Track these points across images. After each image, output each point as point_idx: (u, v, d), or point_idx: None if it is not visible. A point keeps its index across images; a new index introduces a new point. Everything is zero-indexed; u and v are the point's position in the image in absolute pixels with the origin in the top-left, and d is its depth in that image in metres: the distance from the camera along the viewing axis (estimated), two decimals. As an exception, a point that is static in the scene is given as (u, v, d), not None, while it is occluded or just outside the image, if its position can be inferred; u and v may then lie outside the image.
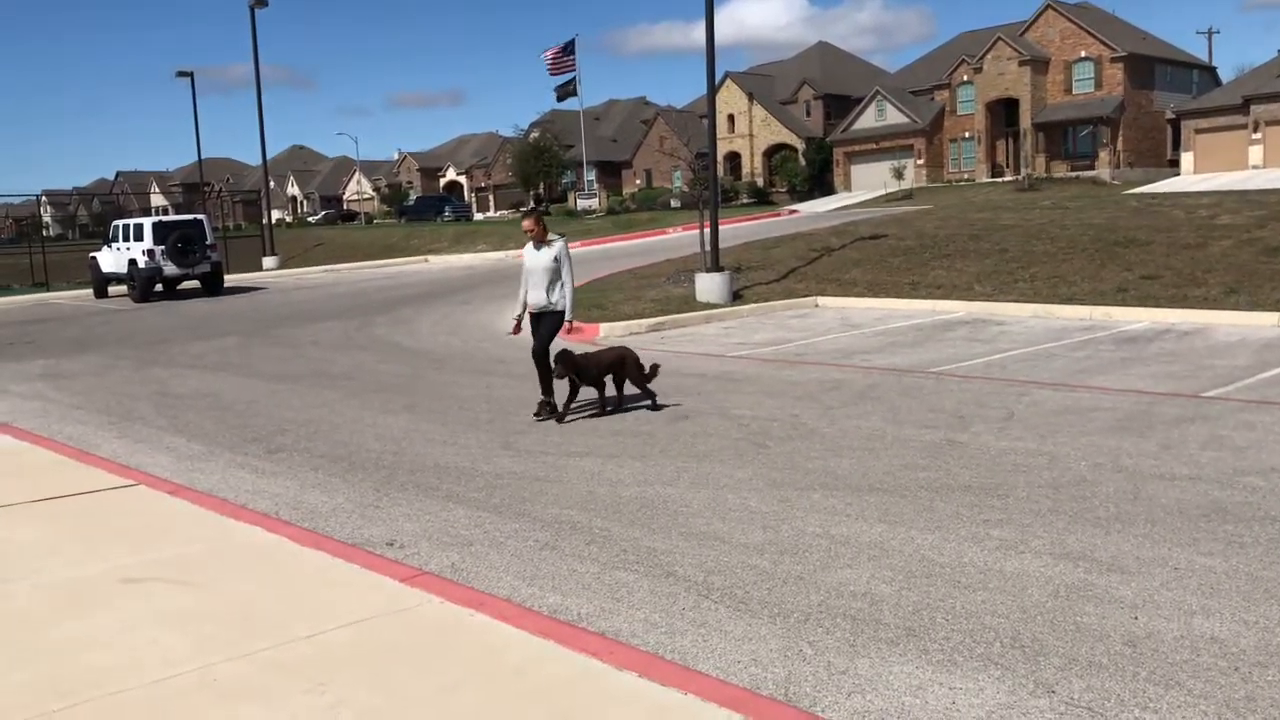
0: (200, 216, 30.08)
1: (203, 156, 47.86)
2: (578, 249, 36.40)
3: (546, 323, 9.39)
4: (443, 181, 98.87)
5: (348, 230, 63.03)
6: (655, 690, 3.85)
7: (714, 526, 6.05)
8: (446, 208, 71.39)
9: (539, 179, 67.17)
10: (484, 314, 19.55)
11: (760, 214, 46.44)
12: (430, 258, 39.93)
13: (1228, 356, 11.50)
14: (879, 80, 66.30)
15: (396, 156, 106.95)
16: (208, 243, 28.08)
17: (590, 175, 66.77)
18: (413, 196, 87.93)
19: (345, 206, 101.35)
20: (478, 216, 77.13)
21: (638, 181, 73.78)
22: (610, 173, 76.17)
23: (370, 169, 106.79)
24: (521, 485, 7.16)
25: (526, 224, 9.34)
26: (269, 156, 43.47)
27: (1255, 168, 44.12)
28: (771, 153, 67.06)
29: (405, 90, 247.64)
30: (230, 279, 31.23)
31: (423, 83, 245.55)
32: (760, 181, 65.61)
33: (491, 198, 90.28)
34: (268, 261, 39.64)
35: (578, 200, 62.28)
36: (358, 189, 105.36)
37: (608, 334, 15.82)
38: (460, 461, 7.93)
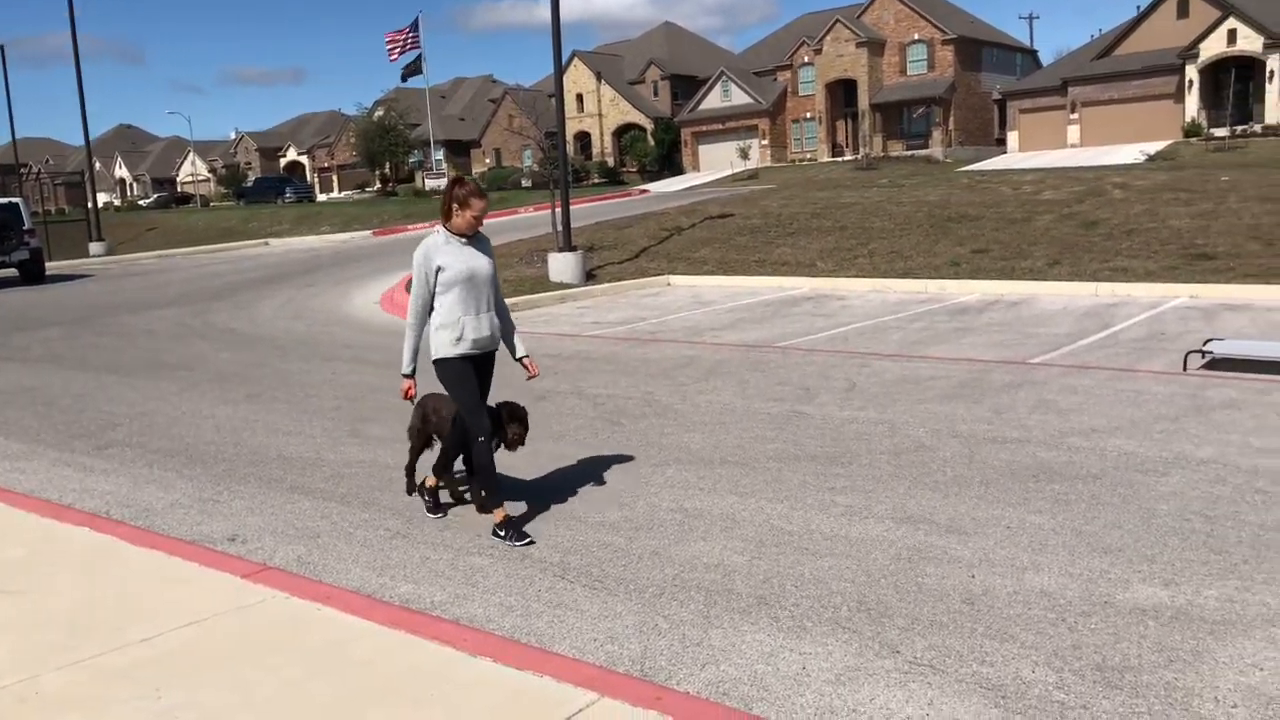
0: (15, 200, 28.11)
1: (17, 136, 44.80)
2: (427, 230, 35.76)
3: (488, 369, 5.84)
4: (283, 162, 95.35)
5: (182, 214, 60.14)
6: (511, 674, 3.82)
7: (571, 506, 6.04)
8: (288, 189, 68.94)
9: (385, 158, 65.52)
10: (329, 298, 18.97)
11: (611, 194, 46.55)
12: (271, 241, 38.51)
13: (1051, 325, 12.17)
14: (724, 61, 67.20)
15: (234, 136, 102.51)
16: (25, 228, 26.31)
17: (438, 155, 65.47)
18: (251, 178, 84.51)
19: (179, 189, 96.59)
20: (321, 198, 74.77)
21: (487, 161, 72.83)
22: (459, 152, 74.95)
23: (205, 149, 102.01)
24: (371, 474, 6.98)
25: (480, 204, 5.49)
26: (93, 136, 40.96)
27: (1074, 146, 46.76)
28: (621, 132, 67.23)
29: (242, 66, 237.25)
30: (53, 267, 29.38)
31: (261, 59, 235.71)
32: (611, 161, 65.72)
33: (335, 178, 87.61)
34: (95, 248, 37.47)
35: (425, 180, 61.02)
36: (192, 170, 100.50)
37: (459, 316, 15.60)
38: (305, 451, 7.68)
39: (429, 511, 5.96)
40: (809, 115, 59.51)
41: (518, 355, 5.91)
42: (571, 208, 19.34)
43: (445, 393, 5.76)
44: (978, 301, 14.50)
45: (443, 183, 56.95)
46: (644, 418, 8.26)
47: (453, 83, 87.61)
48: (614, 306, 15.98)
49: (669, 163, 63.77)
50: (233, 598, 4.65)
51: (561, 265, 18.46)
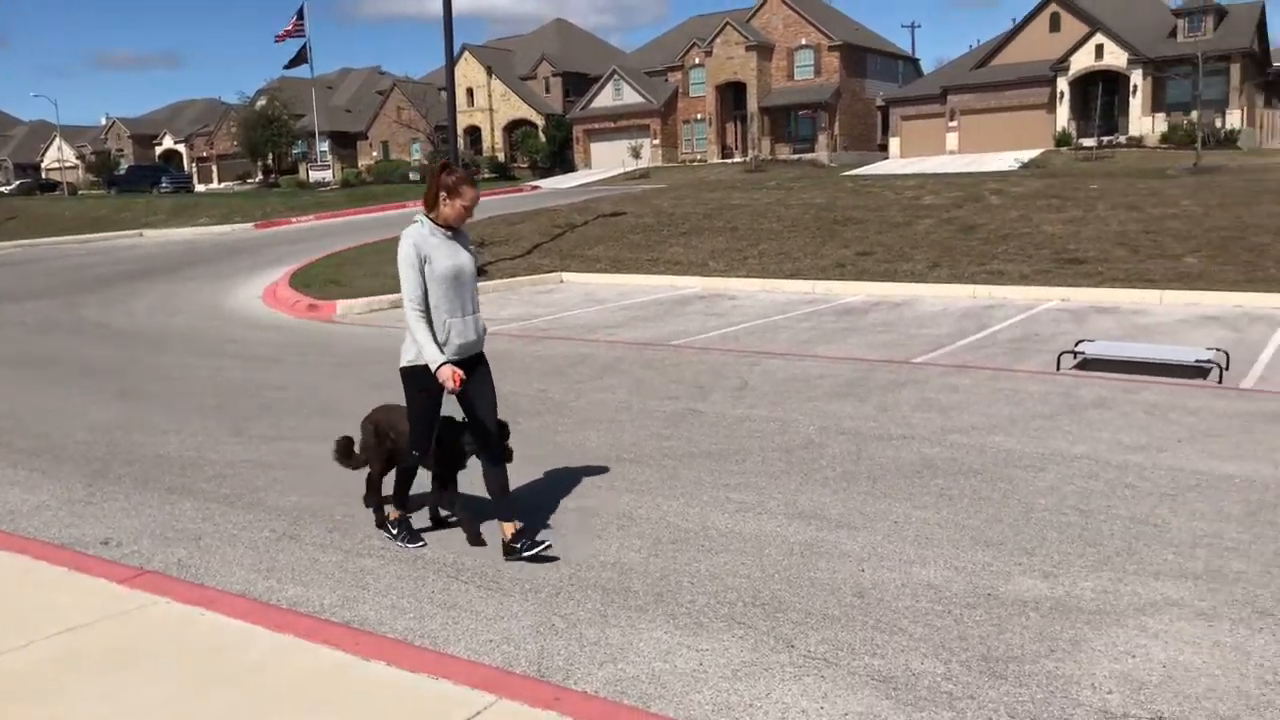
0: None
1: None
2: (311, 223, 34.87)
3: (484, 374, 5.23)
4: (159, 150, 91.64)
5: (48, 201, 57.24)
6: (406, 678, 3.75)
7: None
8: (164, 178, 66.13)
9: (267, 149, 63.65)
10: (209, 292, 18.32)
11: (503, 189, 46.17)
12: (146, 232, 36.97)
13: (932, 325, 12.55)
14: (616, 60, 67.35)
15: (105, 122, 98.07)
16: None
17: (324, 146, 63.87)
18: (124, 166, 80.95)
19: (45, 176, 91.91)
20: (200, 188, 72.11)
21: (374, 154, 71.44)
22: (345, 144, 73.32)
23: (74, 135, 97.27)
24: (255, 474, 6.76)
25: (473, 194, 4.93)
26: (-52, 118, 38.63)
27: (952, 153, 48.36)
28: (512, 128, 66.77)
29: (112, 49, 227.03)
30: (-97, 255, 27.60)
31: (132, 42, 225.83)
32: (502, 157, 65.19)
33: (215, 168, 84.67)
34: (-51, 236, 35.37)
35: (310, 172, 59.51)
36: (59, 157, 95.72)
37: (346, 311, 15.25)
38: (185, 451, 7.39)
39: (406, 542, 5.28)
40: (699, 116, 60.09)
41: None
42: (462, 203, 19.08)
43: (396, 404, 5.31)
44: (863, 302, 14.85)
45: (328, 175, 55.69)
46: (538, 415, 8.21)
47: (339, 73, 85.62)
48: (506, 303, 15.85)
49: (561, 160, 63.62)
50: (110, 604, 4.45)
51: (452, 261, 18.19)
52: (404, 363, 5.04)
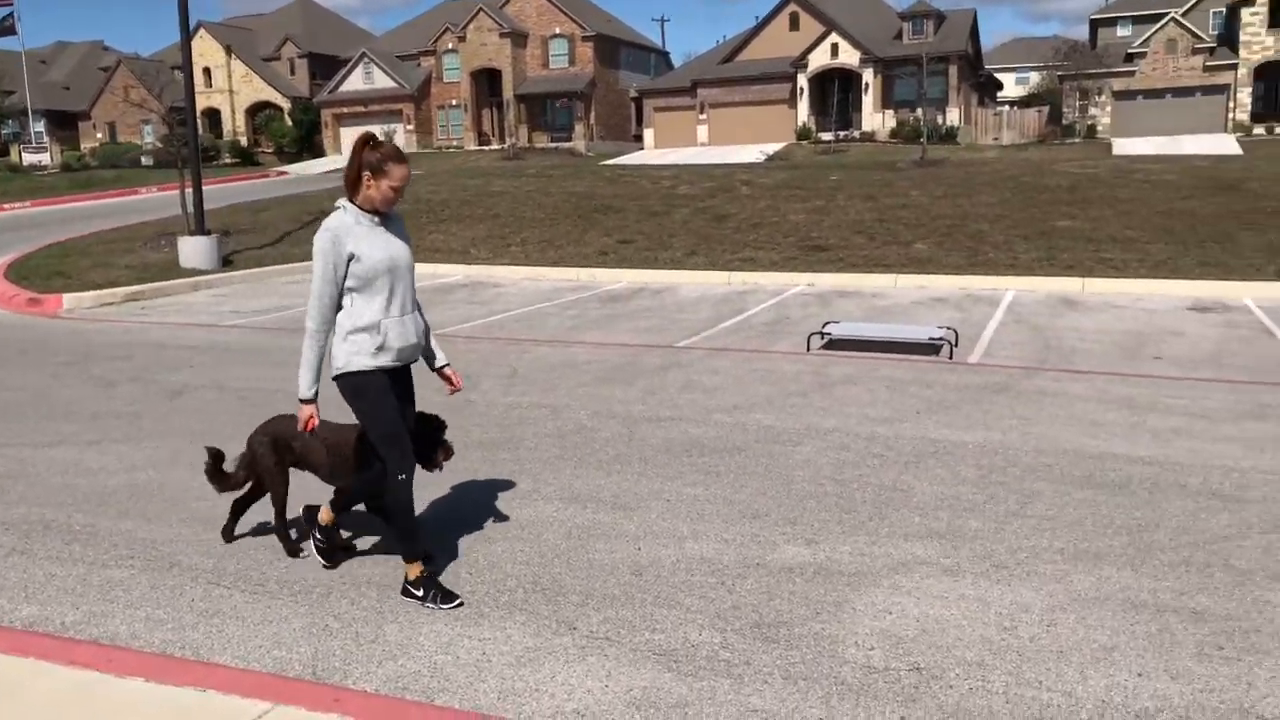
0: None
1: None
2: (28, 210, 31.74)
3: (409, 384, 4.67)
4: None
5: None
6: (169, 692, 3.49)
7: (221, 508, 5.58)
8: None
9: (-31, 128, 57.47)
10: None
11: (247, 174, 43.78)
12: None
13: (692, 311, 12.97)
14: (365, 42, 65.18)
15: None
16: None
17: (38, 126, 58.40)
18: None
19: None
20: (-113, 171, 64.02)
21: (99, 135, 65.82)
22: (64, 124, 67.14)
23: None
24: (-25, 484, 6.11)
25: (402, 171, 4.24)
26: None
27: (703, 145, 50.04)
28: (255, 111, 63.37)
29: None
30: None
31: None
32: (245, 141, 61.74)
33: (-95, 149, 75.47)
34: None
35: (23, 154, 54.22)
36: None
37: (74, 305, 14.02)
38: (-113, 463, 6.57)
39: (325, 561, 4.71)
40: (455, 102, 59.19)
41: (437, 364, 4.74)
42: (204, 188, 17.97)
43: (292, 414, 4.73)
44: (625, 289, 15.14)
45: (45, 158, 50.89)
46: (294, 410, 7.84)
47: (54, 47, 78.18)
48: (256, 294, 15.06)
49: (309, 145, 60.94)
50: None
51: (193, 250, 17.10)
52: (337, 370, 4.28)
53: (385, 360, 4.28)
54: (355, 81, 60.34)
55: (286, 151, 59.57)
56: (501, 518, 5.39)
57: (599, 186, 25.01)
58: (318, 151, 60.20)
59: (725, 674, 3.70)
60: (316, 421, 4.35)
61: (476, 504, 5.62)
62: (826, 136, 45.57)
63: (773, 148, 43.05)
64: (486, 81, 58.23)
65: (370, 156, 4.19)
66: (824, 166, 30.55)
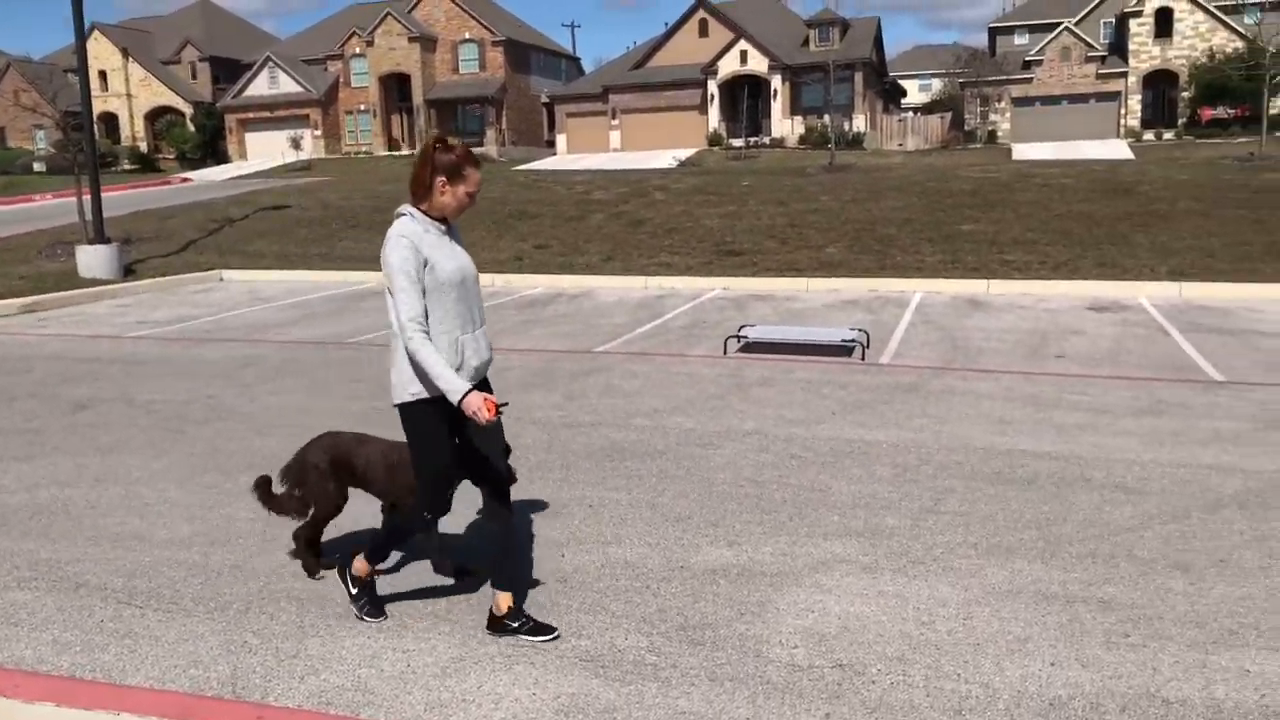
0: None
1: None
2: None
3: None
4: None
5: None
6: (79, 716, 3.38)
7: (130, 525, 5.44)
8: None
9: None
10: None
11: (148, 181, 42.49)
12: None
13: (610, 315, 12.99)
14: (270, 46, 63.84)
15: None
16: None
17: (-80, 131, 55.81)
18: None
19: None
20: None
21: (-13, 141, 63.27)
22: (-52, 129, 64.35)
23: None
24: None
25: (477, 176, 4.00)
26: None
27: (616, 151, 50.18)
28: (155, 116, 61.57)
29: None
30: None
31: None
32: (145, 147, 59.92)
33: None
34: None
35: (-95, 161, 51.77)
36: None
37: (-35, 319, 13.45)
38: None
39: (367, 615, 4.25)
40: (363, 107, 58.32)
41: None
42: (104, 196, 17.41)
43: (349, 432, 4.60)
44: (542, 294, 15.10)
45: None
46: (209, 423, 7.66)
47: (-63, 47, 74.92)
48: (160, 304, 14.64)
49: (213, 151, 59.41)
50: None
51: (93, 259, 16.55)
52: (407, 397, 3.90)
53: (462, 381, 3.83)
54: (260, 86, 59.04)
55: (189, 158, 57.99)
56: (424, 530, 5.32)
57: (513, 192, 24.90)
58: (222, 158, 58.74)
59: (652, 677, 3.72)
60: (495, 401, 3.79)
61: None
62: (737, 142, 46.08)
63: (685, 153, 43.36)
64: (396, 86, 57.50)
65: (444, 159, 3.90)
66: (736, 172, 30.89)
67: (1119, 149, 38.11)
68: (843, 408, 7.90)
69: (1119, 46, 47.94)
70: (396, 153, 54.85)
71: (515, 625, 4.09)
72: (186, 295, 15.66)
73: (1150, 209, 18.85)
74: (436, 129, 56.14)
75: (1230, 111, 42.92)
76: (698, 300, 14.25)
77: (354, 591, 4.25)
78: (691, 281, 15.71)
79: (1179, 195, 19.89)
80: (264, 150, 57.17)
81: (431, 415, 3.89)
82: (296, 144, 54.79)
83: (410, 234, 3.86)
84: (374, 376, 9.28)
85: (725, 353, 10.26)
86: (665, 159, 41.04)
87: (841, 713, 3.46)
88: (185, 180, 43.40)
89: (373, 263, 17.74)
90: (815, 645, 3.96)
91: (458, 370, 3.86)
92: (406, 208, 3.98)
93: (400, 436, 4.15)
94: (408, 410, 3.92)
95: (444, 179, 3.90)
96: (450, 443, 3.97)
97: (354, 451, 4.62)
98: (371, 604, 4.26)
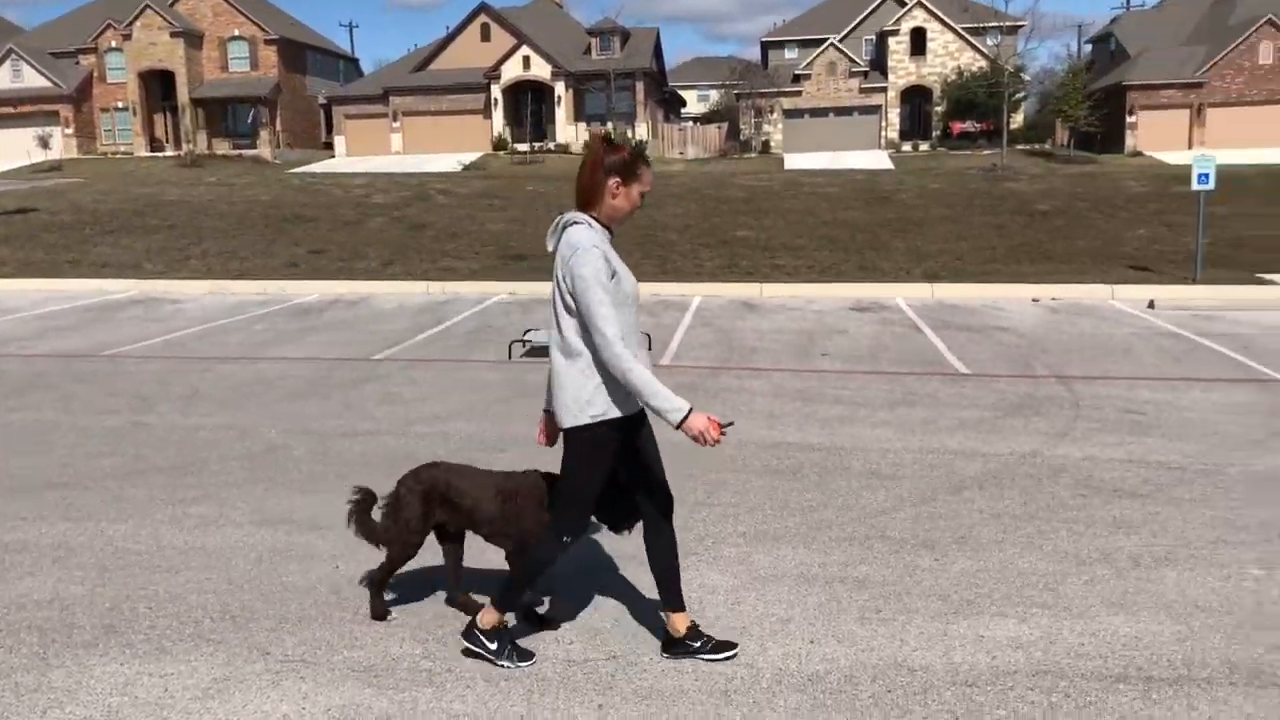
0: None
1: None
2: None
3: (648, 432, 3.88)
4: None
5: None
6: None
7: None
8: None
9: None
10: None
11: None
12: None
13: (390, 322, 12.73)
14: (13, 37, 58.72)
15: None
16: None
17: None
18: None
19: None
20: None
21: None
22: None
23: None
24: None
25: (651, 176, 3.73)
26: None
27: (398, 153, 49.12)
28: (-127, 108, 55.40)
29: None
30: None
31: None
32: None
33: None
34: None
35: None
36: None
37: None
38: None
39: (520, 663, 3.82)
40: (121, 105, 54.59)
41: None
42: None
43: (442, 462, 4.21)
44: (319, 301, 14.61)
45: None
46: (-62, 445, 6.99)
47: None
48: (-119, 317, 13.22)
49: (-56, 148, 54.05)
50: None
51: None
52: (586, 419, 3.55)
53: (634, 407, 3.61)
54: (2, 79, 54.23)
55: (-85, 155, 52.52)
56: (184, 548, 5.07)
57: (287, 195, 23.97)
58: (-45, 156, 53.52)
59: (427, 683, 3.69)
60: (717, 420, 3.52)
61: (154, 535, 5.25)
62: (523, 148, 46.06)
63: (469, 157, 42.99)
64: (159, 83, 54.11)
65: (615, 158, 3.56)
66: (521, 177, 30.91)
67: (880, 159, 40.59)
68: (623, 408, 8.06)
69: (879, 63, 51.06)
70: (159, 154, 51.66)
71: (696, 645, 3.84)
72: (-87, 307, 14.23)
73: (906, 215, 20.21)
74: (205, 129, 53.31)
75: (977, 125, 46.52)
76: (483, 305, 14.18)
77: (494, 648, 3.81)
78: (477, 286, 15.59)
79: (932, 203, 21.43)
80: (8, 149, 52.48)
81: (612, 439, 3.59)
82: (45, 143, 50.62)
83: (599, 242, 3.52)
84: (133, 390, 8.74)
85: (510, 357, 10.26)
86: (449, 163, 40.54)
87: (614, 702, 3.54)
88: (-88, 181, 39.30)
89: (131, 269, 16.67)
90: (590, 639, 4.03)
91: (630, 395, 3.55)
92: (580, 214, 3.61)
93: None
94: (584, 432, 3.56)
95: (618, 179, 3.57)
96: (611, 467, 3.69)
97: (454, 486, 4.13)
98: (516, 651, 3.84)
